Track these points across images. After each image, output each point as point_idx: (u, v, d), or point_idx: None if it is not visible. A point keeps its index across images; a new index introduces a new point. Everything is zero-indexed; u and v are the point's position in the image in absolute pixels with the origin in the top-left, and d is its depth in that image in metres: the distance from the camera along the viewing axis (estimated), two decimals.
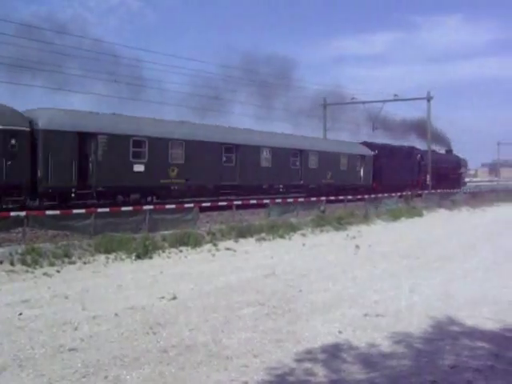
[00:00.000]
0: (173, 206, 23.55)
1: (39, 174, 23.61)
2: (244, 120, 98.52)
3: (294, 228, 24.28)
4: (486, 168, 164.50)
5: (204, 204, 26.38)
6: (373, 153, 48.55)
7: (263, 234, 22.20)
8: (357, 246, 19.84)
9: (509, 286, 13.26)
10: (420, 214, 35.82)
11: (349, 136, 59.56)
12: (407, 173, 51.95)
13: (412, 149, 55.97)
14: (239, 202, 28.65)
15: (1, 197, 22.73)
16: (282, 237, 22.41)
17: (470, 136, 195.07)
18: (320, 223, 26.29)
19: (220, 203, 28.50)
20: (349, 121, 63.11)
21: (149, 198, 28.46)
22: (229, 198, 31.80)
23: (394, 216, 32.61)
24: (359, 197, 36.46)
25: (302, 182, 39.49)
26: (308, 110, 61.07)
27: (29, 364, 7.60)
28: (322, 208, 31.22)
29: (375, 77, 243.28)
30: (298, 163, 39.23)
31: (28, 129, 23.41)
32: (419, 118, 64.61)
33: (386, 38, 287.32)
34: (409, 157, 53.72)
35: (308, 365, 7.61)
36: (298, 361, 7.80)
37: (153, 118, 31.35)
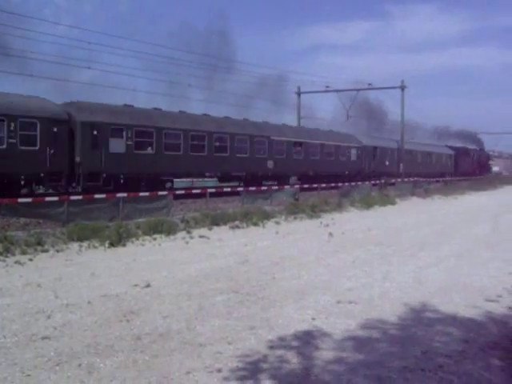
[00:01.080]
0: (146, 194, 23.49)
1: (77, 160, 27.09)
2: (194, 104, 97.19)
3: (267, 216, 24.36)
4: None
5: (178, 192, 26.39)
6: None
7: (237, 222, 22.25)
8: (330, 234, 19.94)
9: (479, 273, 13.43)
10: (393, 202, 36.17)
11: (323, 125, 59.81)
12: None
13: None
14: (213, 190, 28.68)
15: (44, 182, 26.15)
16: (255, 224, 22.48)
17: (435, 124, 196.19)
18: (294, 211, 26.39)
19: (194, 191, 28.53)
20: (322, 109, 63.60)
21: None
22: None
23: (368, 204, 32.87)
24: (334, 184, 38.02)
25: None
26: (254, 94, 61.60)
27: (1, 353, 7.55)
28: (295, 196, 31.37)
29: (350, 65, 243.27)
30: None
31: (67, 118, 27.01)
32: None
33: (362, 27, 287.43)
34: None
35: (281, 352, 7.65)
36: (272, 348, 7.84)
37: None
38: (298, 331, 8.66)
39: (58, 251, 15.67)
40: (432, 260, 15.27)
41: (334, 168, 48.21)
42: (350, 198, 34.15)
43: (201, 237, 19.08)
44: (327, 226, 22.91)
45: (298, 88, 59.01)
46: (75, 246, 16.39)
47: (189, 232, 19.62)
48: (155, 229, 19.13)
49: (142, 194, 23.57)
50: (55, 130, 25.99)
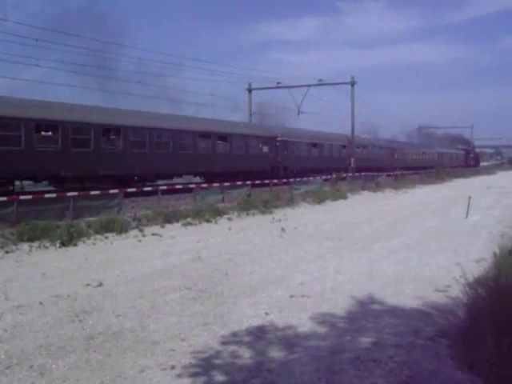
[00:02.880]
0: (97, 193, 23.26)
1: None
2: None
3: (220, 212, 24.34)
4: None
5: (129, 189, 26.19)
6: None
7: (189, 219, 22.19)
8: (282, 229, 20.04)
9: (429, 264, 13.72)
10: (344, 197, 36.49)
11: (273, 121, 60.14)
12: None
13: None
14: (165, 188, 28.55)
15: None
16: (208, 221, 22.46)
17: (392, 120, 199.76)
18: (246, 207, 26.44)
19: (145, 189, 28.35)
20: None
21: None
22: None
23: (319, 199, 33.08)
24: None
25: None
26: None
27: None
28: (247, 192, 31.43)
29: (301, 62, 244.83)
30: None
31: None
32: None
33: (312, 24, 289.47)
34: None
35: (234, 347, 7.71)
36: (225, 343, 7.89)
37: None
38: (251, 326, 8.73)
39: (7, 252, 15.40)
40: (383, 252, 15.51)
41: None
42: (302, 193, 34.31)
43: (153, 235, 18.99)
44: (279, 221, 23.02)
45: (249, 84, 59.04)
46: (25, 246, 16.13)
47: (141, 230, 19.49)
48: (107, 227, 18.95)
49: (92, 192, 23.29)
50: None
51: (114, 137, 31.96)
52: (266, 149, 46.19)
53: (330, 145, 58.10)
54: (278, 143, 47.40)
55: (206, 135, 38.98)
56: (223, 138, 41.13)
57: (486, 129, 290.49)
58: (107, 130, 31.50)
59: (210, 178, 37.40)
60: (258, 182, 35.13)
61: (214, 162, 38.81)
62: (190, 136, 37.45)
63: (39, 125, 27.78)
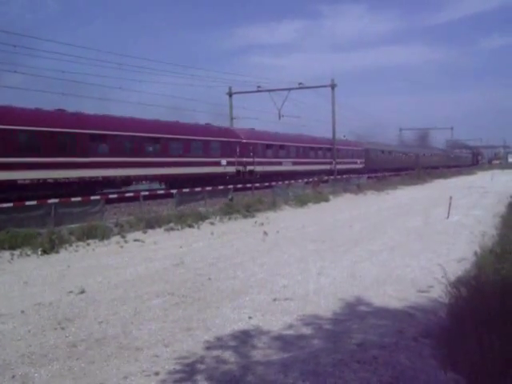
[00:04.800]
0: (78, 199, 23.13)
1: None
2: None
3: (202, 217, 24.33)
4: None
5: (111, 196, 26.09)
6: None
7: (172, 224, 22.14)
8: (265, 233, 20.05)
9: (411, 265, 13.78)
10: (326, 199, 36.62)
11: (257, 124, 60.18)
12: None
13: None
14: (146, 193, 28.48)
15: None
16: (190, 226, 22.43)
17: (373, 122, 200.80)
18: (228, 211, 26.44)
19: (127, 194, 28.24)
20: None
21: None
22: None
23: (302, 202, 33.17)
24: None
25: None
26: None
27: None
28: (229, 196, 31.43)
29: (282, 66, 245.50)
30: None
31: None
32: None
33: (293, 27, 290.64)
34: None
35: (218, 352, 7.69)
36: (209, 348, 7.87)
37: None
38: (234, 331, 8.71)
39: None
40: (366, 254, 15.56)
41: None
42: (284, 197, 34.34)
43: (135, 240, 18.93)
44: (262, 225, 23.04)
45: (230, 88, 59.06)
46: (6, 254, 16.02)
47: (123, 236, 19.42)
48: (89, 234, 18.86)
49: (74, 199, 23.16)
50: None
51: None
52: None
53: (353, 150, 67.97)
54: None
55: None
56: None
57: (466, 130, 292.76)
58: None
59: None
60: (239, 186, 35.14)
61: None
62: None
63: None
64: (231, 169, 43.19)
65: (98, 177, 31.01)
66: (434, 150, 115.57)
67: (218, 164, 41.81)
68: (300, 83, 55.85)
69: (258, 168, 46.57)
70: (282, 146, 52.52)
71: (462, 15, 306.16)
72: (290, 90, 56.42)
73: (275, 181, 40.31)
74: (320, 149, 59.92)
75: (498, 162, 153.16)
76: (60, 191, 27.01)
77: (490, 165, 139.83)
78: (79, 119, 31.00)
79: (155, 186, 39.74)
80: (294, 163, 53.71)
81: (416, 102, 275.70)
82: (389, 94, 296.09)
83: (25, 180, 26.74)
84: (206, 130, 43.18)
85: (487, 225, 20.40)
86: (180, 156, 37.68)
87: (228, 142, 43.64)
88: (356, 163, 67.79)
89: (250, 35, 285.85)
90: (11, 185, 25.93)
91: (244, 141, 45.67)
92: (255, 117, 66.47)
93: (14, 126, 26.52)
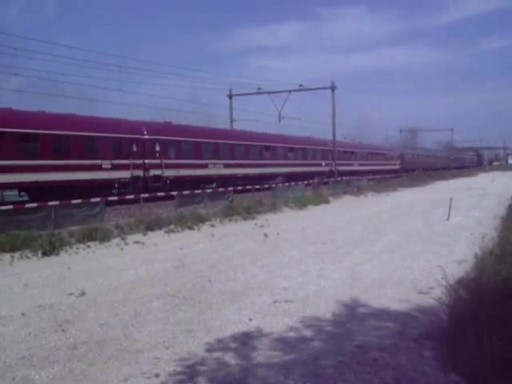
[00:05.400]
0: (79, 201, 23.15)
1: None
2: None
3: (202, 219, 24.31)
4: None
5: (111, 198, 26.09)
6: None
7: (172, 226, 22.14)
8: (265, 235, 20.04)
9: (412, 267, 13.78)
10: (327, 201, 36.60)
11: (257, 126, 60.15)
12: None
13: None
14: (146, 195, 28.46)
15: None
16: (190, 228, 22.42)
17: (374, 124, 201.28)
18: (228, 213, 26.44)
19: (127, 196, 28.20)
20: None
21: None
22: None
23: (302, 204, 33.16)
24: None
25: None
26: None
27: None
28: (230, 198, 31.42)
29: (282, 68, 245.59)
30: None
31: None
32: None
33: (292, 29, 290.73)
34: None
35: (219, 354, 7.68)
36: (210, 350, 7.86)
37: None
38: (235, 332, 8.71)
39: None
40: (366, 256, 15.56)
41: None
42: (284, 199, 34.32)
43: (136, 242, 18.93)
44: (262, 227, 23.03)
45: (230, 90, 59.12)
46: (7, 256, 16.01)
47: (123, 238, 19.42)
48: (89, 236, 18.86)
49: (74, 201, 23.17)
50: None
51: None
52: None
53: (393, 155, 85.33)
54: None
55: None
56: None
57: (466, 131, 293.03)
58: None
59: None
60: (240, 188, 35.13)
61: None
62: None
63: None
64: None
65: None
66: (449, 153, 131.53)
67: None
68: (300, 85, 55.94)
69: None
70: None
71: (461, 17, 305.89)
72: (289, 92, 56.49)
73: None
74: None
75: (498, 163, 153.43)
76: None
77: (490, 166, 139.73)
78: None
79: None
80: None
81: (416, 104, 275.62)
82: (389, 96, 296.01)
83: None
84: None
85: (487, 226, 20.37)
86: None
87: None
88: (395, 165, 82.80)
89: (251, 37, 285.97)
90: None
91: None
92: (254, 119, 66.04)
93: None
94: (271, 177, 48.42)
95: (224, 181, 40.31)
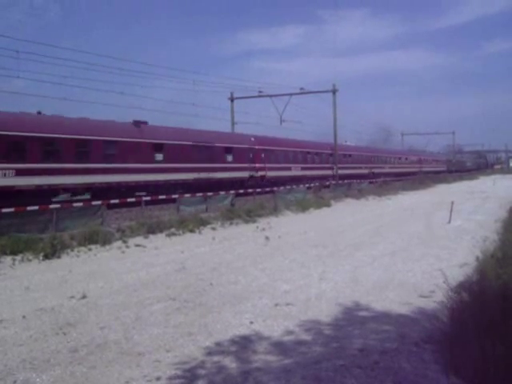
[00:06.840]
0: (80, 204, 23.16)
1: None
2: None
3: (203, 222, 24.30)
4: None
5: (112, 201, 26.10)
6: None
7: (173, 229, 22.13)
8: (266, 238, 20.05)
9: (413, 270, 13.77)
10: (328, 204, 36.56)
11: (258, 128, 60.21)
12: None
13: None
14: (148, 198, 28.47)
15: None
16: (192, 231, 22.41)
17: (375, 127, 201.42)
18: (229, 216, 26.43)
19: (129, 199, 28.23)
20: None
21: None
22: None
23: (303, 207, 33.13)
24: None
25: None
26: None
27: None
28: (231, 201, 31.42)
29: (284, 71, 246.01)
30: None
31: None
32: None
33: (295, 32, 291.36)
34: None
35: (220, 357, 7.67)
36: (210, 353, 7.85)
37: None
38: (236, 336, 8.70)
39: None
40: (367, 259, 15.54)
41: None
42: (285, 202, 34.32)
43: (137, 245, 18.93)
44: (263, 230, 23.03)
45: (231, 93, 59.16)
46: (8, 259, 16.00)
47: (125, 241, 19.41)
48: (90, 239, 18.85)
49: (75, 204, 23.19)
50: None
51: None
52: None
53: (442, 159, 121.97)
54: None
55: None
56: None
57: (468, 134, 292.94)
58: None
59: None
60: (241, 191, 35.19)
61: None
62: None
63: None
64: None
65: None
66: (470, 157, 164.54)
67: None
68: (301, 88, 55.97)
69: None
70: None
71: (464, 20, 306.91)
72: (291, 95, 56.54)
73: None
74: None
75: (499, 166, 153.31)
76: None
77: (492, 169, 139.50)
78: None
79: None
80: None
81: (418, 107, 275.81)
82: (391, 99, 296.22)
83: None
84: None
85: (489, 230, 20.34)
86: None
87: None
88: (443, 167, 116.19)
89: (253, 41, 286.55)
90: None
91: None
92: (256, 121, 66.19)
93: None
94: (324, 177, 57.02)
95: (299, 180, 52.52)
